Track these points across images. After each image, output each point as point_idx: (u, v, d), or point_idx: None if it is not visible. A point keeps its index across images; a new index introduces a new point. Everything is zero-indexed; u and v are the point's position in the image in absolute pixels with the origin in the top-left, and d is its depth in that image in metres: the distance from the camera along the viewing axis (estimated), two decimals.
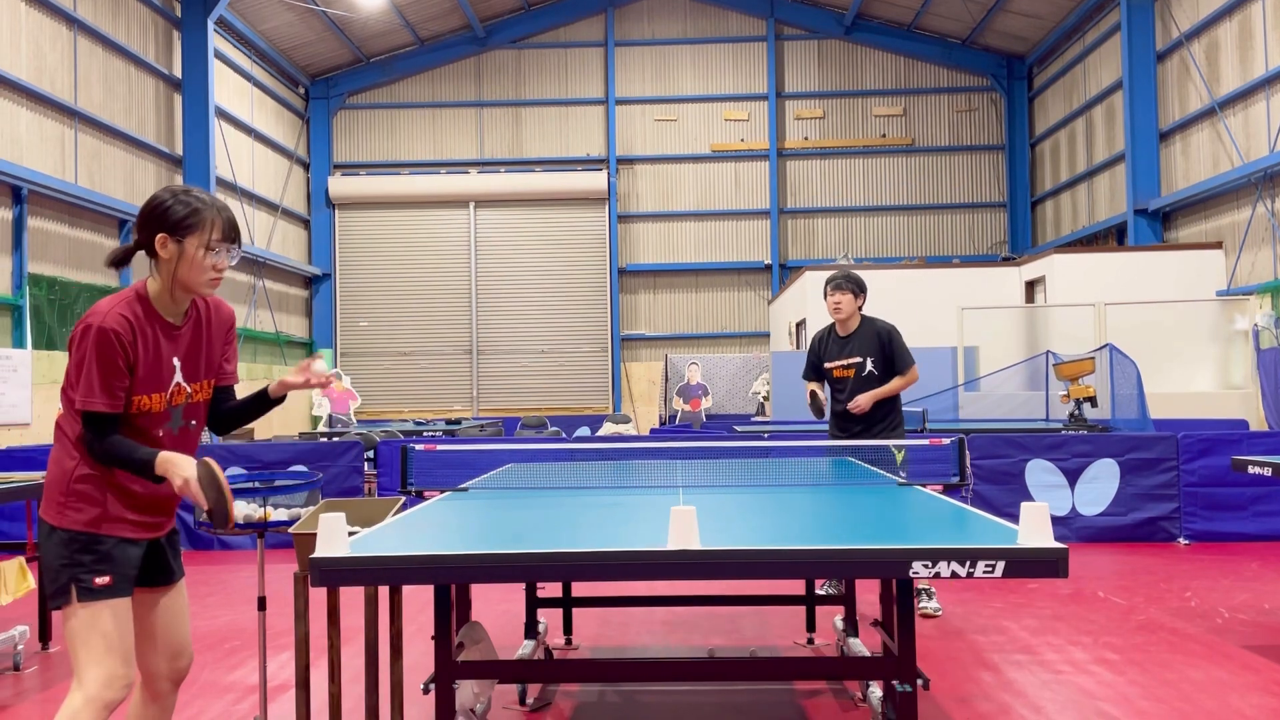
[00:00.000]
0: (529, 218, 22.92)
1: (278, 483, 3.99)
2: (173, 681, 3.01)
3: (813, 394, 6.32)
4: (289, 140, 21.84)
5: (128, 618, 2.79)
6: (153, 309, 2.82)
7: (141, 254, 2.90)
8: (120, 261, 2.93)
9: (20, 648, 5.22)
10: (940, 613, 6.08)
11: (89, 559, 2.73)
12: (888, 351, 6.18)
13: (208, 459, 2.79)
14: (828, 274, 6.98)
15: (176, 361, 2.87)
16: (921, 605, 6.09)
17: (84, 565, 2.73)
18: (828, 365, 6.33)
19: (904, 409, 6.57)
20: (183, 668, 3.02)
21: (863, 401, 6.10)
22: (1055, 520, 8.58)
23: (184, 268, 2.79)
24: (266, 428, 17.91)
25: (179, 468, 2.74)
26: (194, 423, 2.99)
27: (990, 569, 2.59)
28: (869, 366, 6.20)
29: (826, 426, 6.71)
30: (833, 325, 6.38)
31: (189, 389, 2.92)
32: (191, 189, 2.86)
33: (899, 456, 5.75)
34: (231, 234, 2.85)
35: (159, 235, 2.78)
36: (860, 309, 6.28)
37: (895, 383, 6.18)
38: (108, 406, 2.72)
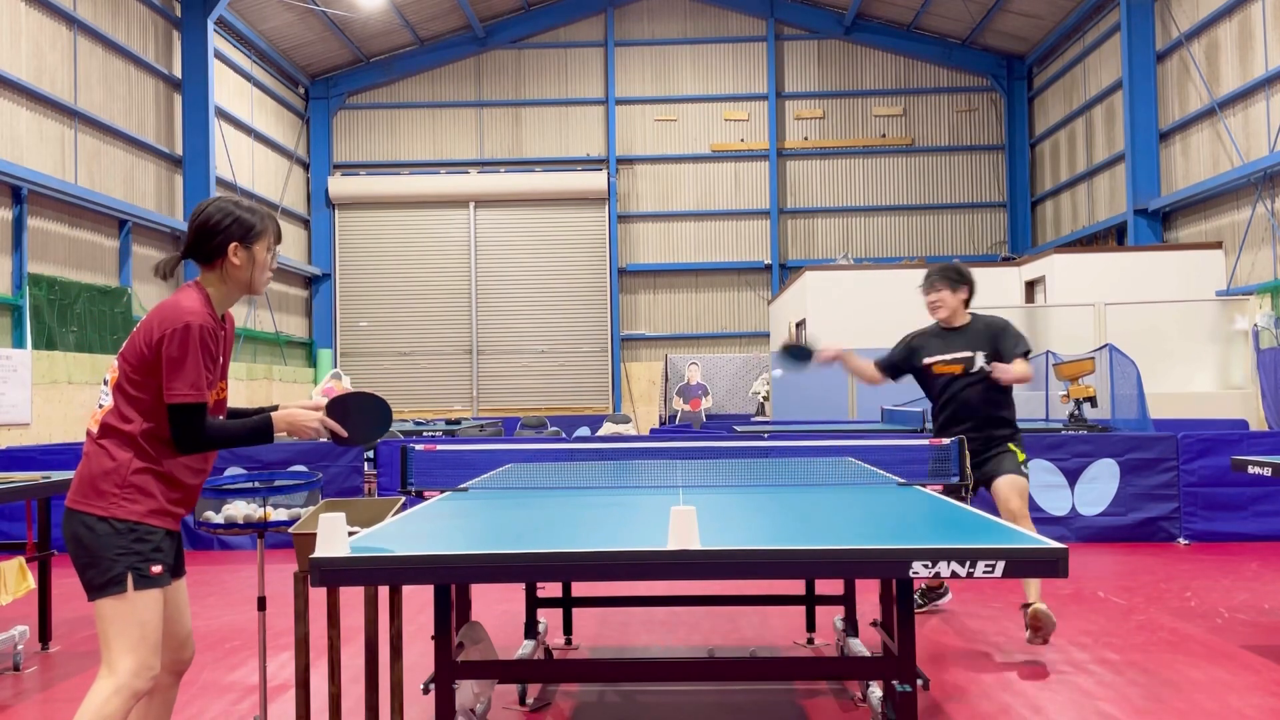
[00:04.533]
0: (529, 218, 22.92)
1: (278, 483, 4.00)
2: (174, 674, 3.10)
3: (820, 353, 5.54)
4: (289, 140, 21.84)
5: (162, 609, 2.91)
6: (213, 310, 3.00)
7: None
8: (170, 272, 3.10)
9: (20, 648, 5.22)
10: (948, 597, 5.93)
11: (146, 548, 2.85)
12: (999, 344, 5.44)
13: (333, 398, 3.07)
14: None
15: (221, 360, 3.06)
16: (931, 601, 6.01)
17: (141, 554, 2.84)
18: (928, 360, 5.56)
19: (905, 409, 6.53)
20: (185, 659, 3.12)
21: (1011, 369, 5.29)
22: (1055, 520, 8.58)
23: (256, 271, 3.05)
24: None
25: (302, 417, 3.03)
26: (221, 419, 3.12)
27: (990, 569, 2.59)
28: (979, 362, 5.46)
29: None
30: (934, 323, 5.66)
31: (217, 386, 3.08)
32: (241, 200, 3.10)
33: (1021, 457, 5.40)
34: (281, 237, 3.18)
35: (231, 245, 3.00)
36: (966, 303, 5.57)
37: (1024, 366, 5.35)
38: (208, 398, 2.93)
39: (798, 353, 5.57)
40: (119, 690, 2.76)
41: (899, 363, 5.71)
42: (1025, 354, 5.42)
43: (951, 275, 5.54)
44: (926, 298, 5.59)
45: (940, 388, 5.57)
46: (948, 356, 5.51)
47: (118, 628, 2.80)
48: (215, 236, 2.99)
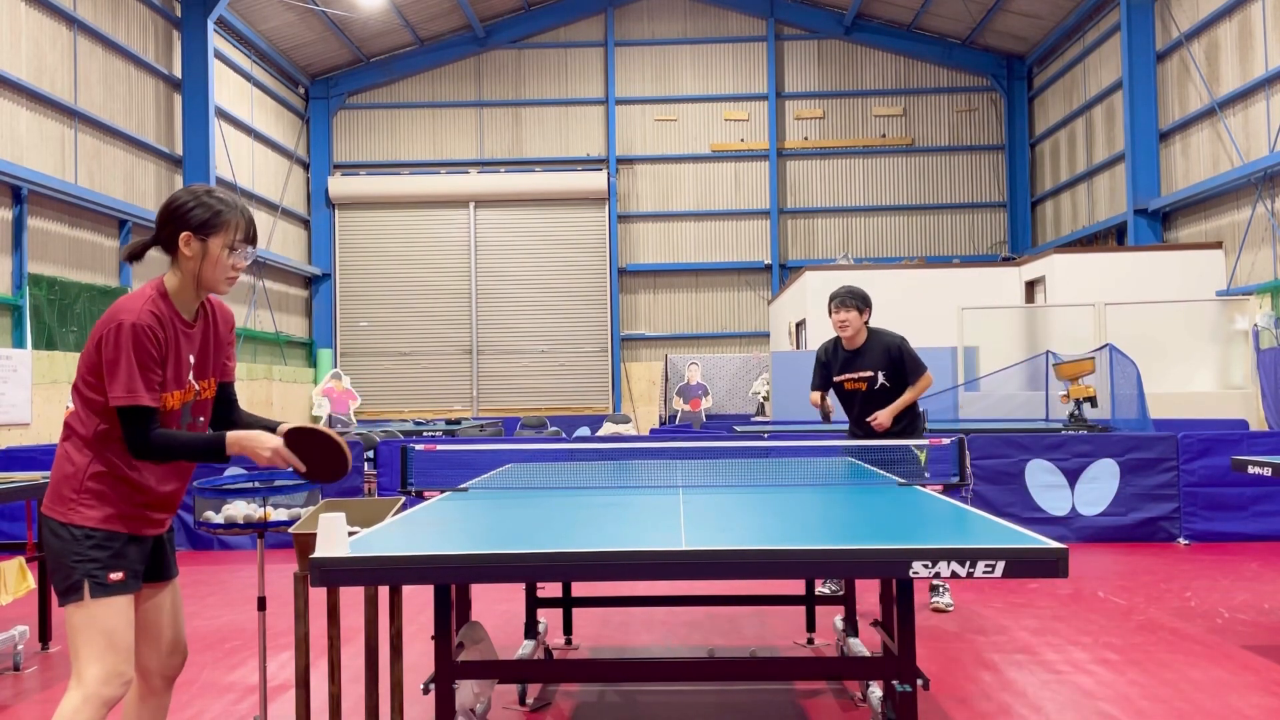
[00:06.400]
0: (529, 218, 22.92)
1: (278, 483, 3.99)
2: (167, 678, 3.04)
3: (822, 399, 6.45)
4: (289, 140, 21.84)
5: (131, 615, 2.82)
6: (172, 306, 2.87)
7: (148, 252, 2.99)
8: (136, 255, 2.98)
9: (20, 648, 5.22)
10: (952, 608, 6.19)
11: (103, 555, 2.76)
12: (899, 365, 6.23)
13: (295, 427, 2.88)
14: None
15: (191, 359, 2.93)
16: (934, 600, 6.21)
17: (98, 561, 2.75)
18: (838, 378, 6.39)
19: None
20: (177, 664, 3.05)
21: (883, 418, 6.16)
22: (1055, 520, 8.59)
23: (207, 266, 2.86)
24: None
25: (256, 441, 2.83)
26: (201, 419, 3.03)
27: (990, 569, 2.59)
28: (881, 379, 6.23)
29: (828, 427, 6.80)
30: (839, 337, 6.44)
31: (197, 386, 2.97)
32: (213, 190, 2.93)
33: (922, 457, 5.74)
34: (251, 235, 2.94)
35: (183, 234, 2.84)
36: (866, 323, 6.33)
37: (909, 394, 6.24)
38: (152, 400, 2.76)
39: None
40: (88, 699, 2.69)
41: (826, 380, 6.50)
42: (922, 373, 6.23)
43: (859, 299, 6.25)
44: (835, 316, 6.27)
45: (849, 399, 6.40)
46: (854, 375, 6.30)
47: (83, 636, 2.73)
48: (170, 224, 2.85)
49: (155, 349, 2.77)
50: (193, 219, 2.84)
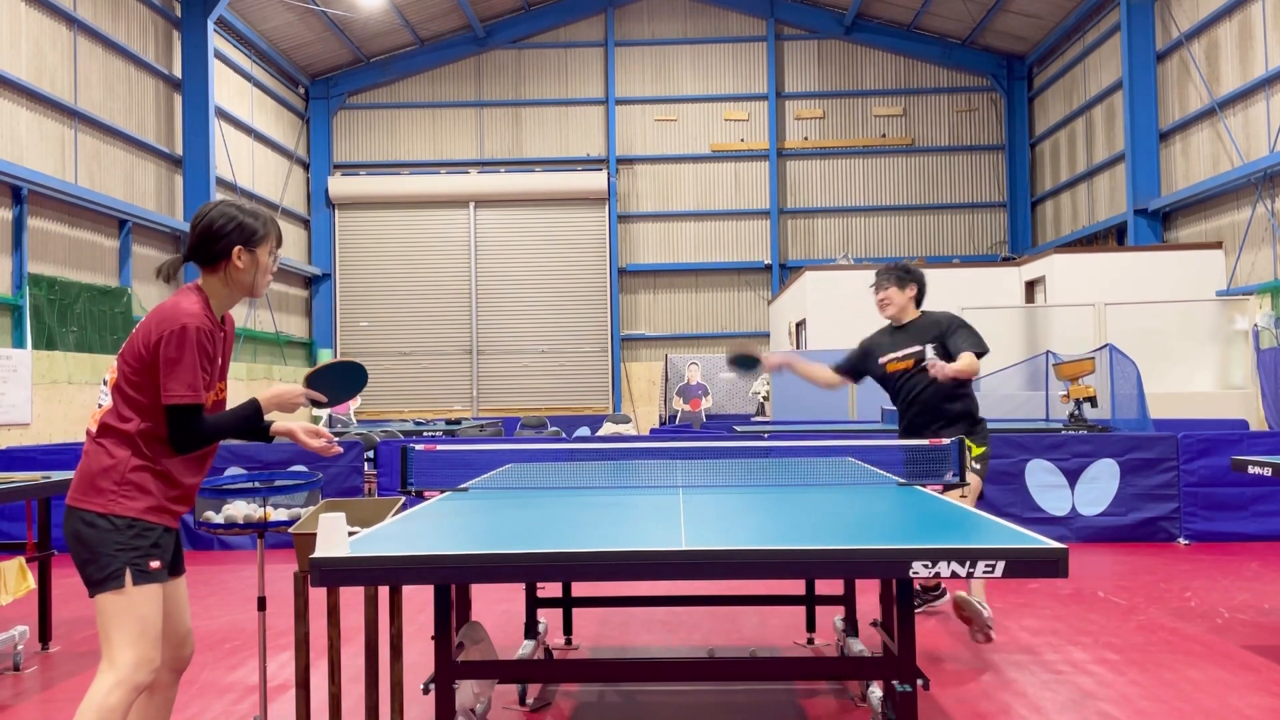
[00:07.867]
0: (529, 218, 22.92)
1: (278, 483, 4.00)
2: (175, 671, 3.14)
3: (766, 361, 5.56)
4: (289, 140, 21.84)
5: (161, 604, 2.93)
6: (212, 312, 3.03)
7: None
8: (171, 274, 3.14)
9: (20, 648, 5.22)
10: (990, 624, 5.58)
11: (144, 544, 2.90)
12: (947, 339, 5.39)
13: (310, 373, 3.27)
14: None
15: (219, 362, 3.09)
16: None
17: (139, 550, 2.88)
18: (883, 359, 5.59)
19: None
20: (185, 656, 3.16)
21: (945, 368, 5.16)
22: (1055, 520, 8.59)
23: (259, 275, 3.10)
24: None
25: (284, 394, 3.15)
26: (213, 415, 3.13)
27: (990, 569, 2.59)
28: (930, 354, 5.38)
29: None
30: (888, 323, 5.74)
31: (216, 387, 3.10)
32: (243, 203, 3.12)
33: (976, 451, 5.33)
34: (281, 240, 3.22)
35: (236, 248, 3.03)
36: (916, 300, 5.64)
37: (969, 360, 5.25)
38: (204, 399, 2.96)
39: (744, 361, 5.53)
40: (120, 684, 2.79)
41: (857, 364, 5.76)
42: (977, 350, 5.31)
43: (898, 273, 5.63)
44: (875, 296, 5.67)
45: (896, 386, 5.60)
46: (899, 354, 5.54)
47: (117, 622, 2.83)
48: (219, 240, 3.03)
49: (212, 351, 2.97)
50: (243, 233, 3.04)
